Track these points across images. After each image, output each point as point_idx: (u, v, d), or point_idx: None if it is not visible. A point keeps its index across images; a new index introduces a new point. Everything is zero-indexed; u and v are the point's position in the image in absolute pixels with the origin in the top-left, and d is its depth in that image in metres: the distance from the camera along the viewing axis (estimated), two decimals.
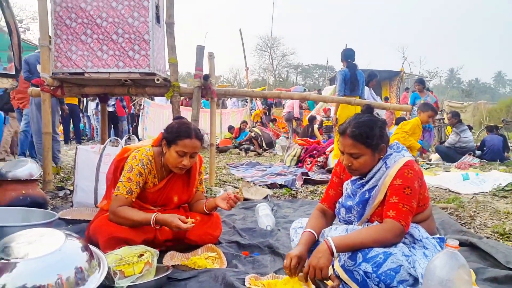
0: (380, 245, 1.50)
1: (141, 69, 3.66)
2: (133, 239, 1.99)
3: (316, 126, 10.76)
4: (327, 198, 1.93)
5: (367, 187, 1.72)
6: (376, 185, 1.68)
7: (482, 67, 76.65)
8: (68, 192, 3.61)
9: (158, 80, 3.67)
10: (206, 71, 4.25)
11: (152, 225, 2.00)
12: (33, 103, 4.54)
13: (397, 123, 7.64)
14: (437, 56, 72.67)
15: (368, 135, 1.67)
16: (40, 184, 3.42)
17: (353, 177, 1.82)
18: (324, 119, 10.62)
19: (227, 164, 6.72)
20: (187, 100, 12.01)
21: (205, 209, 2.29)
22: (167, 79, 3.85)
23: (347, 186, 1.84)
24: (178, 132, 2.10)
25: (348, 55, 6.01)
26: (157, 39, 3.80)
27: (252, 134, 9.57)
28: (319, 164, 6.02)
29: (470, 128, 9.28)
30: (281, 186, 4.47)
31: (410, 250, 1.60)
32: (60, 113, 5.42)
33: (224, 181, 4.73)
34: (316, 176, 5.21)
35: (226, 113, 13.15)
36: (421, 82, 8.68)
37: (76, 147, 3.09)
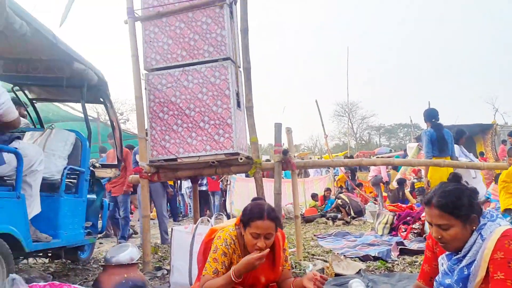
0: None
1: (226, 150, 3.93)
2: None
3: (407, 189, 10.21)
4: (422, 275, 1.83)
5: (464, 262, 1.61)
6: (474, 260, 1.57)
7: None
8: (166, 272, 3.79)
9: (241, 159, 3.91)
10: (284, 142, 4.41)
11: (233, 278, 2.03)
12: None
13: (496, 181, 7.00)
14: None
15: (456, 205, 1.61)
16: (140, 265, 3.67)
17: (448, 252, 1.71)
18: (415, 180, 10.07)
19: (314, 235, 6.59)
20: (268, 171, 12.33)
21: None
22: (249, 157, 4.07)
23: (443, 261, 1.74)
24: (251, 214, 2.14)
25: (431, 115, 5.86)
26: (239, 121, 4.09)
27: (339, 201, 9.33)
28: (415, 231, 5.61)
29: None
30: (375, 258, 4.22)
31: None
32: (165, 196, 5.90)
33: (313, 254, 4.62)
34: (413, 245, 4.83)
35: (309, 181, 13.11)
36: None
37: (172, 228, 3.30)
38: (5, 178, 2.64)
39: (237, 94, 4.11)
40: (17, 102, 3.77)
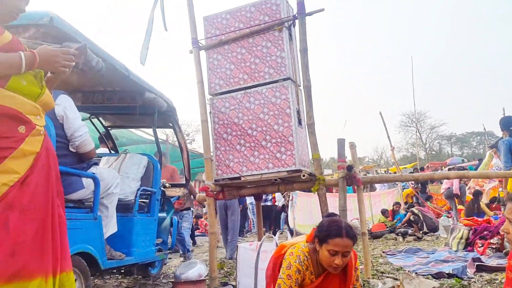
0: None
1: (288, 168, 3.99)
2: None
3: (482, 202, 9.52)
4: None
5: None
6: None
7: None
8: (231, 287, 3.91)
9: (303, 176, 3.93)
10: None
11: None
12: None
13: None
14: None
15: None
16: (207, 281, 3.81)
17: None
18: (500, 189, 9.36)
19: (383, 252, 6.37)
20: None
21: None
22: (312, 173, 4.09)
23: None
24: (329, 231, 2.15)
25: (508, 123, 5.51)
26: (300, 139, 4.15)
27: (411, 217, 8.92)
28: (494, 246, 5.25)
29: None
30: (449, 276, 4.01)
31: None
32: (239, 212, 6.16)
33: (382, 272, 4.49)
34: (491, 261, 4.55)
35: (375, 195, 12.70)
36: None
37: (237, 246, 3.40)
38: (84, 201, 2.91)
39: (298, 112, 4.18)
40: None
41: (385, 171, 22.93)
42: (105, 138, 4.76)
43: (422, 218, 8.73)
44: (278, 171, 4.04)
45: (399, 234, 8.40)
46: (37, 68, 1.70)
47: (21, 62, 1.61)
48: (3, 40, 1.63)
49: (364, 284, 3.76)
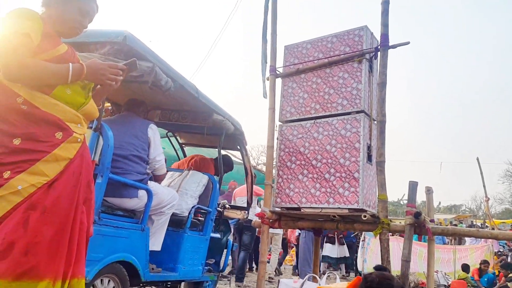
0: None
1: (350, 205, 3.77)
2: None
3: None
4: None
5: None
6: None
7: None
8: None
9: (365, 216, 3.67)
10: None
11: None
12: (304, 235, 5.63)
13: None
14: None
15: None
16: None
17: None
18: None
19: None
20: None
21: None
22: (375, 215, 3.81)
23: None
24: None
25: None
26: (368, 176, 3.91)
27: (509, 284, 7.78)
28: None
29: None
30: None
31: None
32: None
33: None
34: None
35: (462, 249, 11.45)
36: None
37: (279, 280, 3.27)
38: (136, 211, 3.04)
39: (369, 148, 3.97)
40: None
41: (481, 224, 20.75)
42: (178, 154, 5.00)
43: None
44: (339, 208, 3.84)
45: None
46: (85, 80, 1.84)
47: (68, 73, 1.75)
48: (56, 52, 1.80)
49: None
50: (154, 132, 3.22)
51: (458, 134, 59.74)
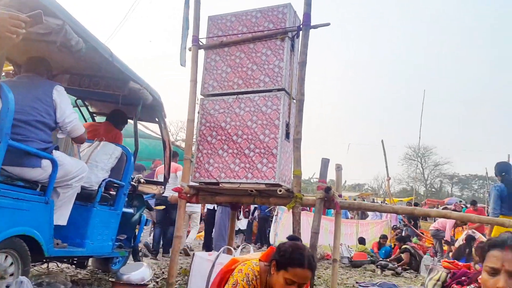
0: None
1: (267, 180, 3.83)
2: None
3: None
4: None
5: None
6: None
7: None
8: None
9: (280, 191, 3.76)
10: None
11: None
12: (220, 210, 5.49)
13: None
14: None
15: None
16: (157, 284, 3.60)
17: None
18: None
19: (356, 283, 6.16)
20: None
21: None
22: (290, 190, 3.92)
23: None
24: (291, 259, 1.98)
25: (503, 169, 5.38)
26: (285, 153, 4.00)
27: (403, 255, 8.63)
28: None
29: None
30: None
31: None
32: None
33: None
34: None
35: (364, 224, 12.49)
36: None
37: (194, 254, 3.25)
38: (40, 183, 2.77)
39: (287, 125, 4.05)
40: None
41: (382, 201, 22.69)
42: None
43: (418, 259, 8.47)
44: (257, 183, 3.88)
45: (379, 266, 8.19)
46: None
47: None
48: None
49: None
50: (60, 94, 2.92)
51: (365, 118, 64.36)
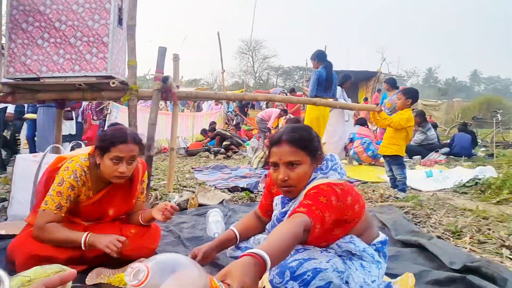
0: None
1: (98, 73, 3.55)
2: (56, 257, 1.84)
3: None
4: (261, 206, 1.95)
5: (291, 205, 1.66)
6: None
7: (459, 66, 78.77)
8: (7, 204, 3.27)
9: (113, 83, 3.56)
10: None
11: (83, 248, 1.87)
12: (41, 111, 4.91)
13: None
14: (416, 56, 74.58)
15: (307, 138, 1.59)
16: None
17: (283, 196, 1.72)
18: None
19: (192, 168, 6.66)
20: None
21: (141, 221, 2.17)
22: (124, 82, 3.77)
23: (277, 202, 1.78)
24: (113, 138, 1.97)
25: (323, 55, 6.03)
26: (118, 41, 3.71)
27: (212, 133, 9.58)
28: None
29: (435, 126, 9.46)
30: (243, 189, 4.44)
31: (345, 263, 1.54)
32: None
33: (184, 186, 4.65)
34: None
35: (199, 115, 13.08)
36: (389, 81, 8.72)
37: (15, 156, 2.98)
38: None
39: (120, 10, 3.69)
40: None
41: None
42: None
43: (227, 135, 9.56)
44: (86, 76, 3.57)
45: (212, 152, 8.90)
46: None
47: None
48: None
49: (161, 197, 3.86)
50: None
51: (203, 11, 62.86)
